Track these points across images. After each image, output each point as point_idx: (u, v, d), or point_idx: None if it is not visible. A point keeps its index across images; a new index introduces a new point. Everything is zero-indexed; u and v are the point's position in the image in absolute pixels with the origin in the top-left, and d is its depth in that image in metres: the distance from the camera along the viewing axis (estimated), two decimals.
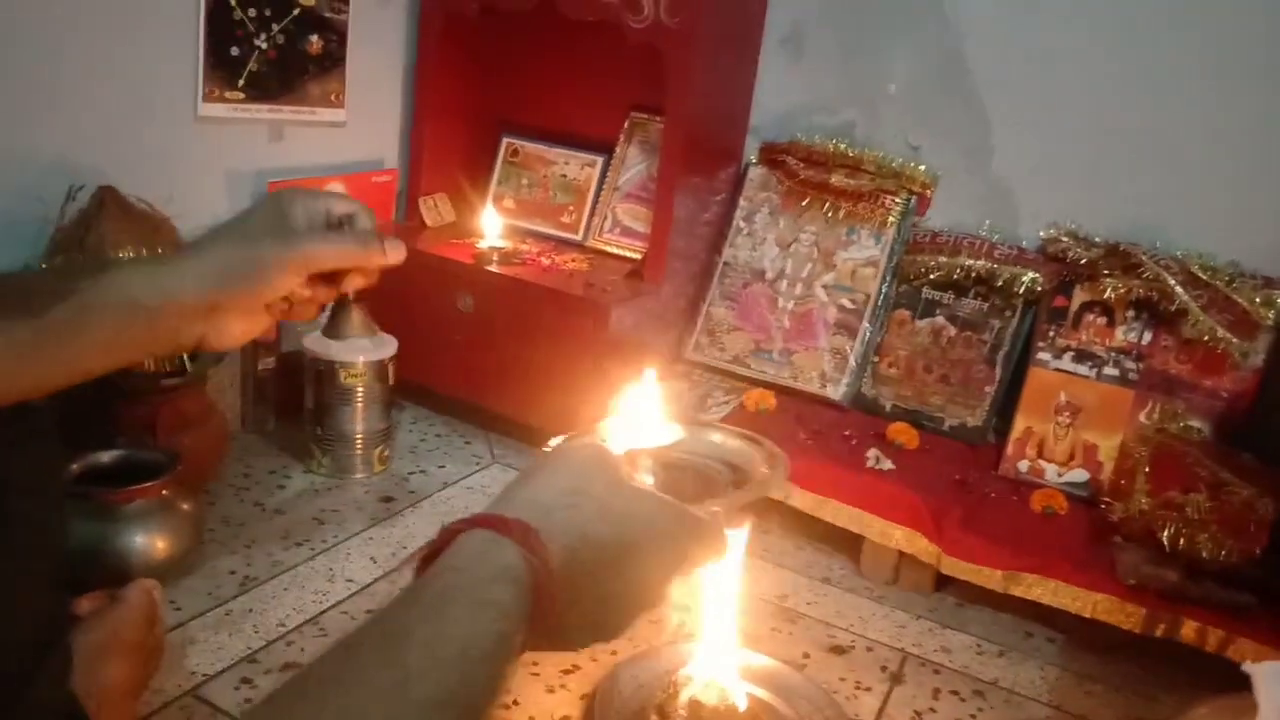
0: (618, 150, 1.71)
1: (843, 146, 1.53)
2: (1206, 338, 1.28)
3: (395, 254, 0.66)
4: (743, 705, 0.92)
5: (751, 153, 1.63)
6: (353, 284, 0.67)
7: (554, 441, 0.68)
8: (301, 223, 0.64)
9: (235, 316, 0.64)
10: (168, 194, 1.26)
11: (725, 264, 1.61)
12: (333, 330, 0.70)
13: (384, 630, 0.41)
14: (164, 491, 1.08)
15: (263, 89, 1.44)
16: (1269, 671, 0.73)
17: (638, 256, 1.63)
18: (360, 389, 1.37)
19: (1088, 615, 1.12)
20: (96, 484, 1.07)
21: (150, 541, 1.06)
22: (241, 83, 1.41)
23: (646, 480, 0.54)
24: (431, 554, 0.46)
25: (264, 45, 1.42)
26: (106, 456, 1.12)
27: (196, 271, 0.62)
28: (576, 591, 0.47)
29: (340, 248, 0.65)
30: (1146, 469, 1.17)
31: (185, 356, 1.21)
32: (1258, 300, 1.26)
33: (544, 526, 0.46)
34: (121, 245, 1.16)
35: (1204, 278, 1.29)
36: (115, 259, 1.12)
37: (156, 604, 0.89)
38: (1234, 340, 1.27)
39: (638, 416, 0.65)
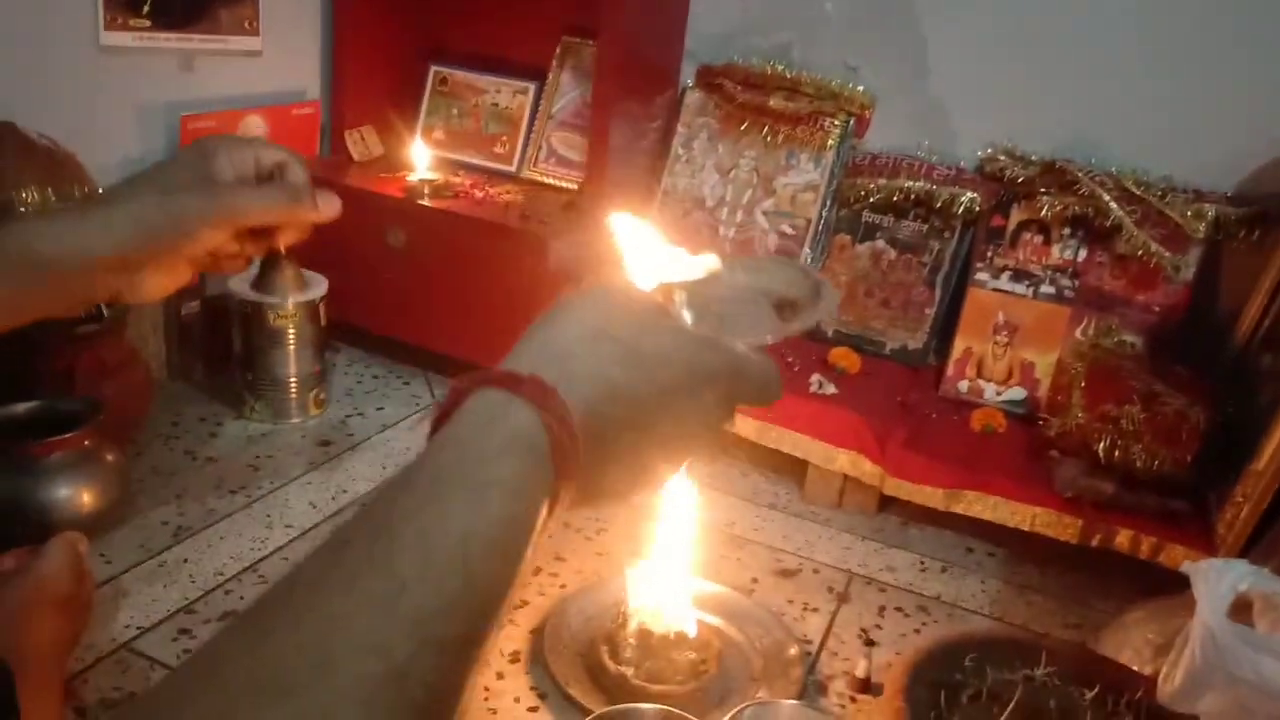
0: (550, 76, 1.66)
1: (780, 68, 1.50)
2: (1140, 253, 1.29)
3: (329, 210, 0.62)
4: (692, 631, 0.93)
5: (688, 76, 1.60)
6: (284, 240, 0.64)
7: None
8: (227, 174, 0.59)
9: (154, 271, 0.60)
10: (72, 129, 1.19)
11: (665, 193, 1.58)
12: (263, 285, 0.66)
13: (373, 526, 0.36)
14: (86, 442, 1.04)
15: (169, 16, 1.36)
16: (1205, 568, 0.75)
17: (574, 187, 1.59)
18: (291, 331, 1.32)
19: (1026, 529, 1.14)
20: (14, 437, 1.02)
21: (75, 494, 1.02)
22: (146, 9, 1.32)
23: (685, 318, 0.47)
24: (441, 416, 0.40)
25: None
26: (23, 408, 1.07)
27: (110, 225, 0.57)
28: (605, 448, 0.42)
29: (269, 203, 0.60)
30: (1082, 384, 1.19)
31: (101, 303, 1.15)
32: (1189, 214, 1.28)
33: (561, 377, 0.40)
34: (24, 184, 1.09)
35: (1138, 193, 1.29)
36: (18, 211, 1.05)
37: (82, 557, 0.85)
38: (1166, 254, 1.28)
39: (659, 249, 0.56)
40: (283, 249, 0.65)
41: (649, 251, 0.56)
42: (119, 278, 0.59)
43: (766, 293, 0.53)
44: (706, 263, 0.54)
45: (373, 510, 0.37)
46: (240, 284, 1.31)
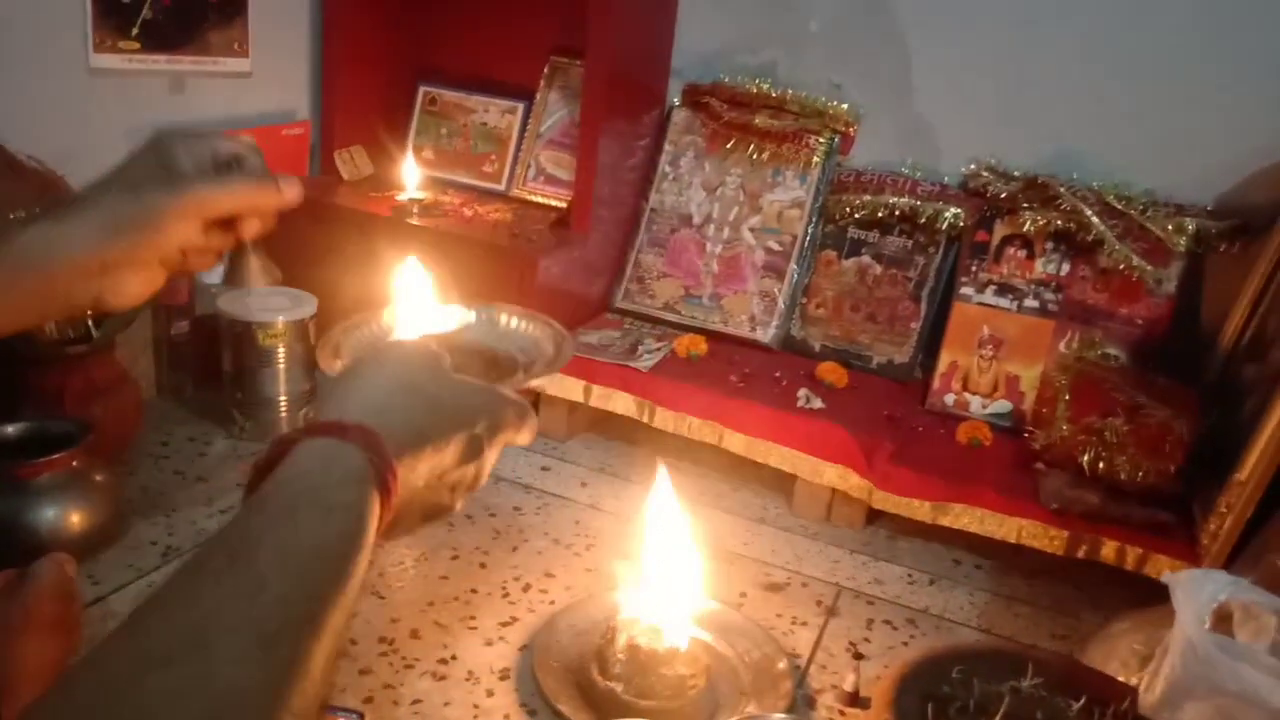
0: (539, 96, 1.67)
1: (765, 87, 1.52)
2: (1122, 266, 1.31)
3: (291, 193, 0.63)
4: (681, 646, 0.93)
5: (674, 95, 1.61)
6: (249, 230, 0.64)
7: (336, 332, 0.70)
8: (187, 166, 0.60)
9: (130, 272, 0.60)
10: (62, 151, 1.19)
11: (652, 210, 1.59)
12: (232, 279, 0.67)
13: (233, 541, 0.42)
14: (75, 463, 1.04)
15: (159, 38, 1.37)
16: (1184, 579, 0.76)
17: (563, 205, 1.60)
18: (281, 350, 1.32)
19: (1013, 541, 1.15)
20: (2, 458, 1.02)
21: (63, 515, 1.01)
22: (136, 31, 1.34)
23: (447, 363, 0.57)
24: (266, 465, 0.47)
25: None
26: (11, 429, 1.06)
27: (83, 227, 0.58)
28: (415, 484, 0.50)
29: (232, 191, 0.61)
30: (1066, 397, 1.20)
31: (90, 323, 1.15)
32: (1170, 228, 1.29)
33: (381, 427, 0.48)
34: (13, 206, 1.10)
35: (1119, 207, 1.31)
36: None
37: (71, 578, 0.85)
38: (1148, 268, 1.30)
39: (420, 302, 0.67)
40: (248, 240, 0.65)
41: (413, 301, 0.66)
42: (98, 281, 0.59)
43: (513, 344, 0.64)
44: (460, 316, 0.67)
45: (227, 534, 0.43)
46: (230, 304, 1.31)
